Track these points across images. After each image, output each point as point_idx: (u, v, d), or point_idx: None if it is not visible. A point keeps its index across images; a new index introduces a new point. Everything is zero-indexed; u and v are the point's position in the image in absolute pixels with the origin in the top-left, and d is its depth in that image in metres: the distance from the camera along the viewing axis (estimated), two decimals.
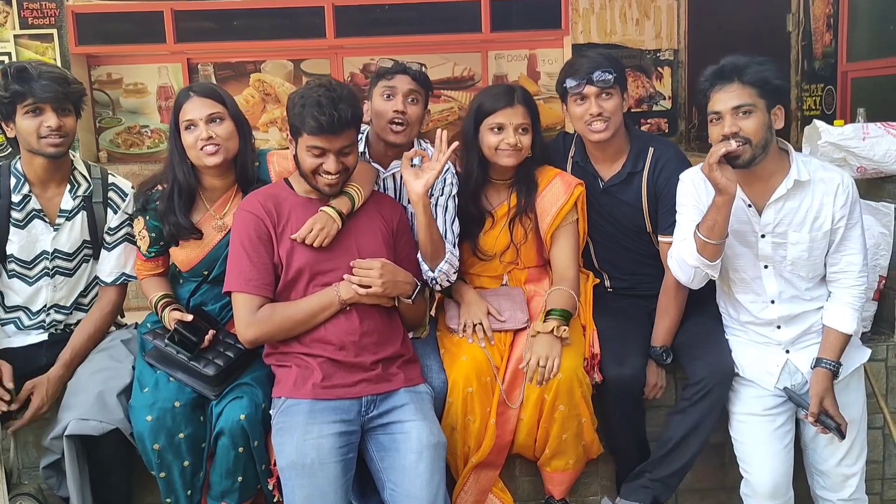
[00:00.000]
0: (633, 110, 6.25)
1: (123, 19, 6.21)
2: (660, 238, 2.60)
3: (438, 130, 2.42)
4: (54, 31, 6.05)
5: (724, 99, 2.23)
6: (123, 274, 2.53)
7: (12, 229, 2.41)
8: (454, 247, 2.55)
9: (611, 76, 2.51)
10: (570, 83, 2.55)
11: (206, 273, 2.47)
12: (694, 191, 2.40)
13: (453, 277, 2.53)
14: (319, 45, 6.37)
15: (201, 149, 2.34)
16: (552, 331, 2.38)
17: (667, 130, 6.37)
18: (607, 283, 2.78)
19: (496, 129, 2.52)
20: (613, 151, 2.65)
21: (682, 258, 2.35)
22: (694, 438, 2.41)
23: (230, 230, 2.39)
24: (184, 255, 2.46)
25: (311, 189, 2.35)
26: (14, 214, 2.41)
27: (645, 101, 6.42)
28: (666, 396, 2.63)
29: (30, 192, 2.42)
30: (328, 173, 2.25)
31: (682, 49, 6.34)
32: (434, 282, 2.49)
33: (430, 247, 2.41)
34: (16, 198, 2.41)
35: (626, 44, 6.25)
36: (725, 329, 2.52)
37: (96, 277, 2.55)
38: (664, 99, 6.42)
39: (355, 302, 2.27)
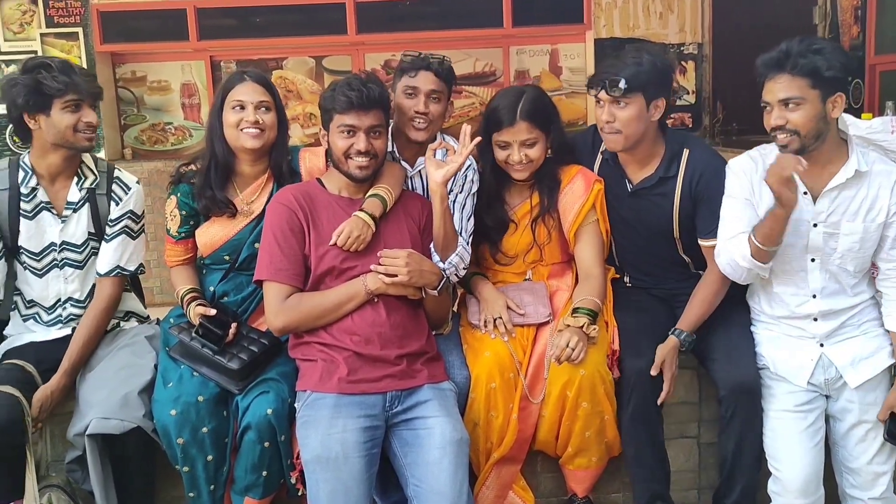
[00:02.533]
0: None
1: (147, 17, 6.26)
2: (701, 242, 2.53)
3: (464, 125, 2.42)
4: (80, 30, 6.10)
5: (774, 90, 2.19)
6: (118, 267, 2.51)
7: (22, 220, 2.45)
8: (468, 243, 2.55)
9: (622, 85, 2.37)
10: (589, 84, 2.50)
11: (226, 258, 2.51)
12: (746, 181, 2.35)
13: (462, 272, 2.53)
14: (341, 42, 6.38)
15: (242, 129, 2.41)
16: (582, 327, 2.37)
17: (691, 125, 6.31)
18: (626, 281, 2.76)
19: (503, 145, 2.51)
20: (643, 156, 2.56)
21: (734, 258, 2.31)
22: (747, 450, 2.39)
23: (255, 219, 2.47)
24: (208, 237, 2.50)
25: (342, 187, 2.40)
26: (23, 205, 2.45)
27: None
28: (689, 394, 2.61)
29: (38, 184, 2.46)
30: (360, 153, 2.30)
31: (706, 43, 6.28)
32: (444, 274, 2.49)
33: (443, 238, 2.41)
34: (24, 189, 2.45)
35: (650, 38, 6.18)
36: (756, 324, 2.48)
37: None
38: (688, 93, 6.35)
39: (382, 293, 2.29)
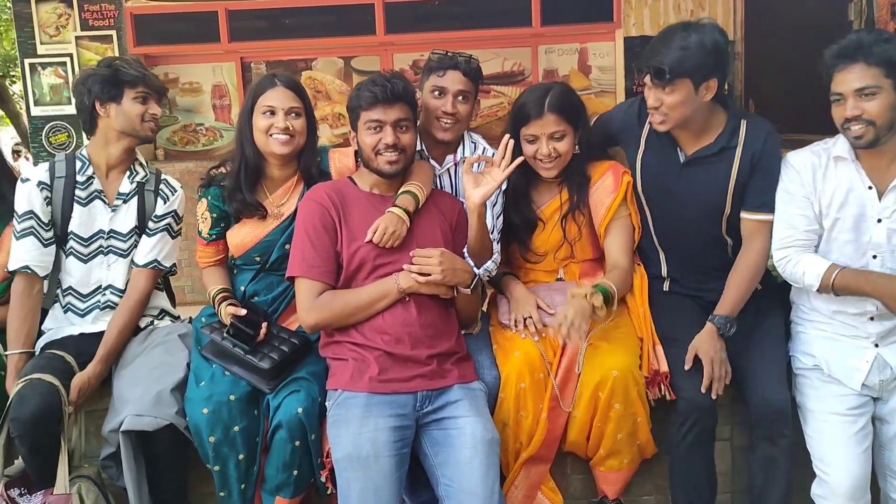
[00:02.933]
0: None
1: (179, 20, 6.33)
2: (745, 215, 2.46)
3: (505, 137, 2.41)
4: (113, 33, 6.20)
5: (848, 80, 2.16)
6: (156, 261, 2.60)
7: (75, 206, 2.55)
8: (497, 242, 2.56)
9: (664, 74, 2.30)
10: (637, 67, 2.47)
11: (257, 259, 2.53)
12: (808, 176, 2.32)
13: (493, 272, 2.56)
14: (370, 42, 6.40)
15: (272, 135, 2.44)
16: (587, 296, 2.33)
17: None
18: (665, 286, 2.67)
19: (530, 139, 2.50)
20: (697, 129, 2.46)
21: (795, 273, 2.31)
22: (777, 471, 2.35)
23: (286, 220, 2.49)
24: (238, 239, 2.53)
25: (374, 184, 2.41)
26: (78, 193, 2.55)
27: None
28: (721, 396, 2.56)
29: (93, 174, 2.58)
30: (388, 147, 2.31)
31: (738, 40, 6.19)
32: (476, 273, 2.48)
33: (480, 248, 2.43)
34: (80, 178, 2.56)
35: None
36: (804, 323, 2.43)
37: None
38: None
39: (414, 292, 2.30)
